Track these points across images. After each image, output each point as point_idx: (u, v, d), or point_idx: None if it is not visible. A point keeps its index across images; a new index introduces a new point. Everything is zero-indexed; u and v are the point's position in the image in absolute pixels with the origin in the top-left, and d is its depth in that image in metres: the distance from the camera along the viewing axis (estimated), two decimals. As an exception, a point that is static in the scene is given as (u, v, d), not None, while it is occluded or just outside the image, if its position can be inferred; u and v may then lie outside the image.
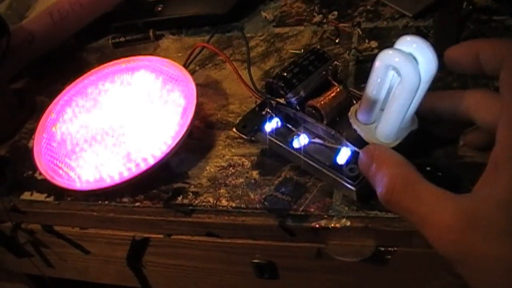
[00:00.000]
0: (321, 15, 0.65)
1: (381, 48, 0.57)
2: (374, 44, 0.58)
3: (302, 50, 0.61)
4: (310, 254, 0.48)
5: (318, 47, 0.52)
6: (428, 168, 0.45)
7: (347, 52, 0.58)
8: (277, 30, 0.66)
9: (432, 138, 0.46)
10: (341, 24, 0.62)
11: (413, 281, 0.49)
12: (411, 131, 0.42)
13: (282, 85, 0.47)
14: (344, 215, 0.44)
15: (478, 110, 0.39)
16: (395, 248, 0.45)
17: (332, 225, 0.43)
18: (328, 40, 0.61)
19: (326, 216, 0.44)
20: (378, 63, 0.38)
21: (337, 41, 0.61)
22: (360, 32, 0.60)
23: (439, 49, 0.38)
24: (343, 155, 0.43)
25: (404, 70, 0.36)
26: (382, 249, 0.45)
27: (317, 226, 0.44)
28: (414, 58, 0.37)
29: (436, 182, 0.32)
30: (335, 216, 0.44)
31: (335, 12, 0.65)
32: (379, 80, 0.39)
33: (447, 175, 0.44)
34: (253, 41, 0.64)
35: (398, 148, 0.39)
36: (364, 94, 0.41)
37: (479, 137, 0.43)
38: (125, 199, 0.50)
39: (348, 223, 0.43)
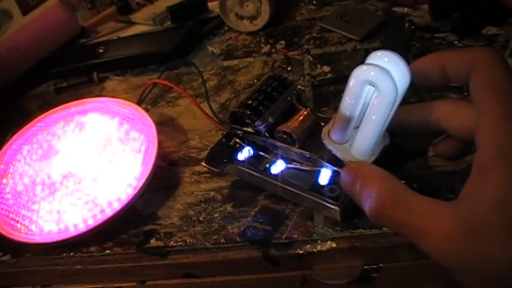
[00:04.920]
0: (268, 46, 0.66)
1: (334, 72, 0.59)
2: (326, 68, 0.59)
3: (256, 81, 0.61)
4: (294, 283, 0.46)
5: (277, 73, 0.52)
6: (403, 182, 0.46)
7: (302, 78, 0.59)
8: (226, 63, 0.66)
9: (402, 152, 0.47)
10: (290, 53, 0.63)
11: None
12: (385, 146, 0.42)
13: (249, 113, 0.46)
14: (329, 237, 0.43)
15: (450, 119, 0.39)
16: (381, 265, 0.44)
17: (318, 248, 0.43)
18: (280, 68, 0.62)
19: (310, 240, 0.43)
20: (353, 81, 0.38)
21: (289, 69, 0.61)
22: (311, 59, 0.61)
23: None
24: (324, 176, 0.43)
25: (381, 83, 0.36)
26: (369, 267, 0.44)
27: (303, 252, 0.43)
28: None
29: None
30: (319, 240, 0.43)
31: (283, 42, 0.66)
32: (355, 97, 0.39)
33: (422, 186, 0.45)
34: (204, 76, 0.63)
35: (374, 164, 0.39)
36: (338, 113, 0.41)
37: (448, 146, 0.43)
38: (92, 249, 0.47)
39: (334, 245, 0.42)
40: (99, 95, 0.66)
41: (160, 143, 0.54)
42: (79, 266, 0.47)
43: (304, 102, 0.49)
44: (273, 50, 0.65)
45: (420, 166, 0.46)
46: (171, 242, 0.46)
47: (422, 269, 0.45)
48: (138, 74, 0.68)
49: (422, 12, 0.64)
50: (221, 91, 0.61)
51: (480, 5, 0.59)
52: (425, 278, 0.46)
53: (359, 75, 0.38)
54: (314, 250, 0.43)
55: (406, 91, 0.39)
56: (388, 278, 0.45)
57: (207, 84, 0.62)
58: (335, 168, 0.42)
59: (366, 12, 0.66)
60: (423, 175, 0.46)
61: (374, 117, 0.39)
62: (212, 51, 0.68)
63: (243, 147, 0.47)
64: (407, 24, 0.63)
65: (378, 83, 0.36)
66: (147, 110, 0.60)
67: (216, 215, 0.47)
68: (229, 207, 0.47)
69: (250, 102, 0.47)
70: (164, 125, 0.58)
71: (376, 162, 0.41)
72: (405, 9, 0.65)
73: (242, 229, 0.45)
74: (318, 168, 0.43)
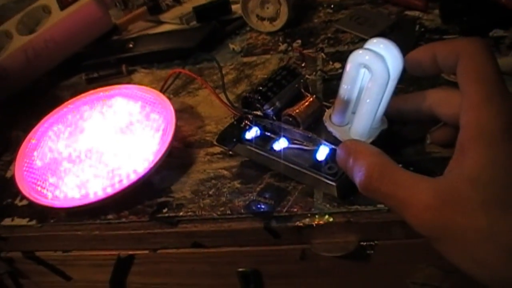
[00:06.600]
0: (286, 44, 0.70)
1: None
2: (338, 65, 0.63)
3: (271, 75, 0.65)
4: (294, 257, 0.50)
5: (287, 64, 0.55)
6: (400, 165, 0.49)
7: (314, 73, 0.63)
8: (245, 59, 0.70)
9: (401, 139, 0.50)
10: (305, 51, 0.67)
11: (396, 275, 0.51)
12: (382, 130, 0.46)
13: (259, 97, 0.50)
14: (326, 211, 0.46)
15: (440, 105, 0.42)
16: (376, 242, 0.47)
17: (316, 222, 0.46)
18: (295, 64, 0.65)
19: (309, 214, 0.46)
20: (349, 64, 0.42)
21: (303, 65, 0.65)
22: (324, 56, 0.65)
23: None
24: (322, 152, 0.46)
25: (374, 66, 0.40)
26: (364, 244, 0.47)
27: (301, 225, 0.46)
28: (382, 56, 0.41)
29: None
30: (317, 214, 0.46)
31: (299, 41, 0.70)
32: (351, 80, 0.42)
33: (418, 169, 0.48)
34: (224, 70, 0.67)
35: (371, 146, 0.42)
36: (338, 96, 0.44)
37: (444, 134, 0.46)
38: (110, 216, 0.51)
39: (331, 219, 0.45)
40: (127, 85, 0.71)
41: (179, 128, 0.59)
42: (97, 232, 0.51)
43: (310, 91, 0.52)
44: (290, 48, 0.69)
45: (418, 152, 0.49)
46: (182, 213, 0.49)
47: (417, 249, 0.47)
48: (163, 68, 0.73)
49: (433, 16, 0.67)
50: (238, 83, 0.65)
51: (487, 9, 0.62)
52: (420, 259, 0.49)
53: (355, 58, 0.41)
54: (312, 223, 0.46)
55: (399, 76, 0.42)
56: (384, 256, 0.48)
57: (226, 77, 0.66)
58: (333, 146, 0.45)
59: (379, 15, 0.70)
60: (419, 160, 0.48)
61: (368, 100, 0.42)
62: (233, 49, 0.72)
63: (251, 127, 0.50)
64: (417, 26, 0.66)
65: (372, 66, 0.40)
66: (169, 99, 0.65)
67: (225, 190, 0.50)
68: (237, 184, 0.51)
69: (260, 88, 0.51)
70: (184, 112, 0.62)
71: (374, 145, 0.44)
72: (417, 13, 0.69)
73: (247, 202, 0.48)
74: (317, 147, 0.47)
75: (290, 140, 0.49)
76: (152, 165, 0.51)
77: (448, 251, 0.33)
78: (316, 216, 0.46)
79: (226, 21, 0.78)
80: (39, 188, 0.52)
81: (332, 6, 0.76)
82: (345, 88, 0.43)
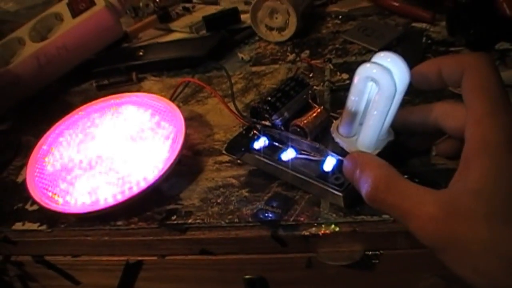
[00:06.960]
0: (294, 54, 0.71)
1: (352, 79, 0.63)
2: (345, 76, 0.64)
3: (280, 84, 0.66)
4: (300, 265, 0.50)
5: (296, 75, 0.56)
6: (406, 176, 0.49)
7: (321, 84, 0.64)
8: (254, 68, 0.71)
9: (407, 150, 0.50)
10: (313, 61, 0.68)
11: (400, 284, 0.52)
12: (389, 142, 0.46)
13: (267, 108, 0.51)
14: (333, 221, 0.46)
15: (445, 118, 0.43)
16: (381, 251, 0.48)
17: (322, 231, 0.46)
18: (303, 75, 0.66)
19: (315, 224, 0.47)
20: (357, 77, 0.42)
21: (311, 75, 0.66)
22: (332, 67, 0.66)
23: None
24: (329, 163, 0.47)
25: (381, 80, 0.40)
26: (370, 253, 0.48)
27: (308, 234, 0.47)
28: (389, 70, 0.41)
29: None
30: (324, 223, 0.47)
31: (307, 51, 0.71)
32: (359, 93, 0.43)
33: (423, 180, 0.48)
34: (233, 79, 0.68)
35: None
36: (345, 108, 0.45)
37: (449, 146, 0.47)
38: (119, 222, 0.52)
39: (337, 229, 0.46)
40: (136, 92, 0.72)
41: (188, 135, 0.59)
42: (107, 238, 0.52)
43: (318, 101, 0.53)
44: (298, 59, 0.70)
45: (423, 163, 0.50)
46: (190, 220, 0.50)
47: (421, 259, 0.48)
48: (173, 76, 0.74)
49: (440, 28, 0.68)
50: (247, 92, 0.66)
51: (494, 22, 0.63)
52: (424, 269, 0.49)
53: (363, 72, 0.42)
54: (319, 232, 0.46)
55: (405, 90, 0.43)
56: (388, 265, 0.49)
57: (235, 86, 0.67)
58: (339, 157, 0.46)
59: (387, 27, 0.71)
60: (425, 171, 0.49)
61: (375, 112, 0.43)
62: (242, 58, 0.73)
63: (259, 137, 0.51)
64: (424, 38, 0.67)
65: (379, 80, 0.41)
66: (178, 107, 0.66)
67: (233, 198, 0.51)
68: (245, 192, 0.52)
69: (269, 98, 0.51)
70: (193, 120, 0.63)
71: (380, 155, 0.45)
72: (424, 25, 0.70)
73: (254, 211, 0.49)
74: (324, 158, 0.48)
75: (297, 150, 0.50)
76: (161, 172, 0.52)
77: (451, 262, 0.34)
78: (323, 226, 0.47)
79: (235, 30, 0.79)
80: (50, 194, 0.53)
81: (340, 17, 0.77)
82: (353, 100, 0.44)
